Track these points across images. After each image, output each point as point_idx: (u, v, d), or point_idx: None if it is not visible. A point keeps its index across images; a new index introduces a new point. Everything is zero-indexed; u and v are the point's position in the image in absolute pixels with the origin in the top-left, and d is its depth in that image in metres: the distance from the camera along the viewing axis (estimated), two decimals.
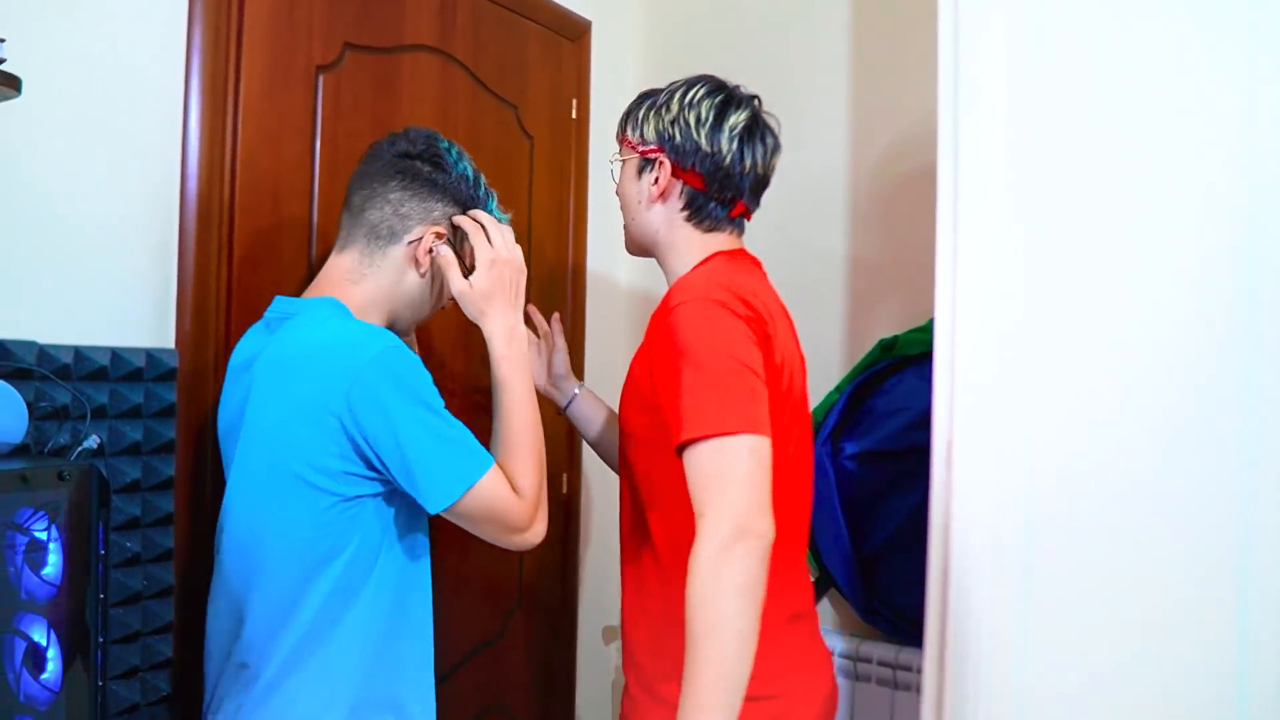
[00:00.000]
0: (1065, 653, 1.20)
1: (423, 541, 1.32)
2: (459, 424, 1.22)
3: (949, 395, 1.32)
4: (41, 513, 1.10)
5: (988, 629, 1.24)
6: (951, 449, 1.29)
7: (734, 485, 1.12)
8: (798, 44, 2.22)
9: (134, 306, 1.42)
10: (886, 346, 2.03)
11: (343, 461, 1.19)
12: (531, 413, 1.31)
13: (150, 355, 1.39)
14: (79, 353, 1.31)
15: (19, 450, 1.19)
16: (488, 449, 1.26)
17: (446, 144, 1.37)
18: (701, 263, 1.39)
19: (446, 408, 1.23)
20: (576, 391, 1.74)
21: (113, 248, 1.39)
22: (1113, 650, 1.18)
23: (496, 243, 1.34)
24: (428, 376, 1.22)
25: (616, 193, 1.49)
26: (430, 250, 1.33)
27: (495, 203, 1.41)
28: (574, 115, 2.24)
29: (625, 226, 1.48)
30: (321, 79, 1.64)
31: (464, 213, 1.36)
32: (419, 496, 1.19)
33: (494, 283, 1.32)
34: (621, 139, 1.46)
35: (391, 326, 1.36)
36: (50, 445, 1.26)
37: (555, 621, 2.24)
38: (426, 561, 1.32)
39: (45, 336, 1.29)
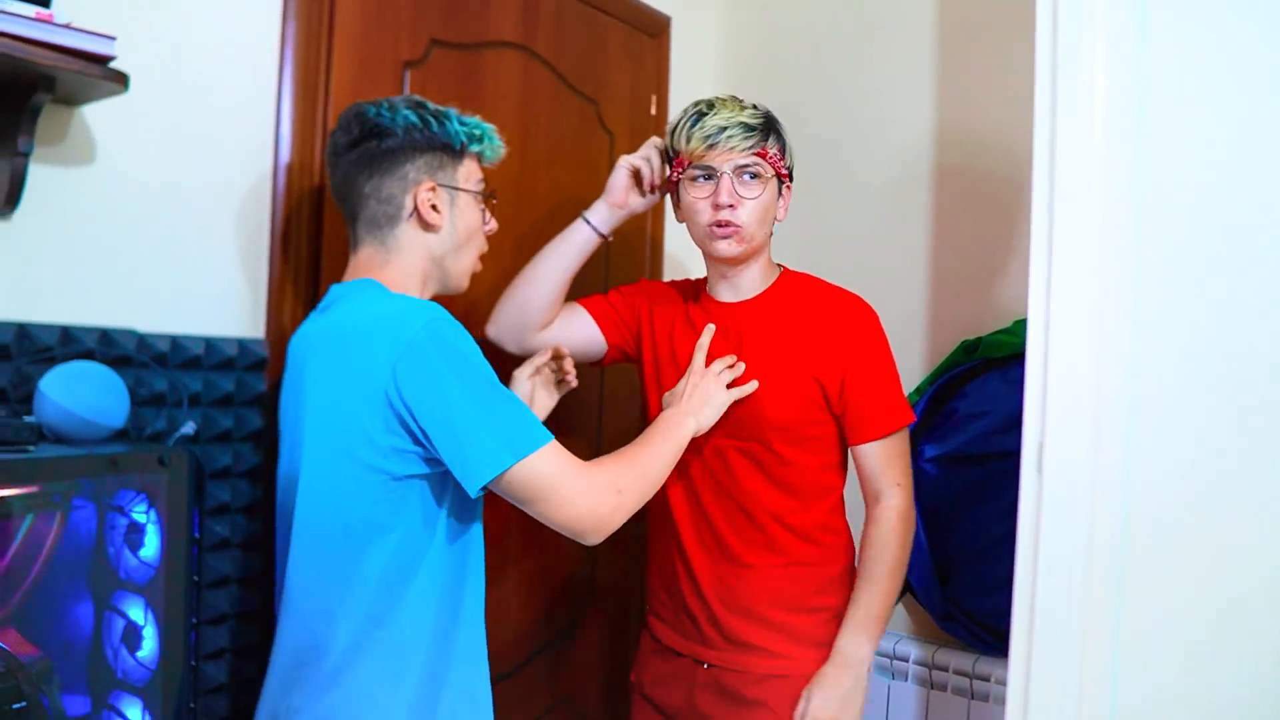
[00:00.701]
0: (1161, 667, 1.16)
1: (476, 533, 1.30)
2: (513, 396, 1.20)
3: (1041, 397, 1.28)
4: (142, 495, 1.14)
5: (1078, 641, 1.20)
6: (1043, 453, 1.26)
7: (909, 463, 1.54)
8: (881, 42, 2.18)
9: (228, 298, 1.46)
10: (969, 348, 1.98)
11: (390, 436, 1.16)
12: (670, 453, 1.37)
13: (242, 345, 1.43)
14: (175, 342, 1.35)
15: (120, 434, 1.24)
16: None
17: (374, 109, 1.29)
18: (787, 271, 1.60)
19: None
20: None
21: (209, 242, 1.43)
22: (1212, 665, 1.14)
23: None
24: (478, 348, 1.20)
25: (739, 198, 1.46)
26: (433, 205, 1.29)
27: (456, 123, 1.31)
28: (653, 112, 2.23)
29: (752, 235, 1.48)
30: (408, 75, 1.67)
31: (438, 148, 1.30)
32: (465, 471, 1.15)
33: (679, 391, 1.46)
34: (764, 154, 1.46)
35: (441, 291, 1.36)
36: (148, 430, 1.30)
37: (625, 620, 2.24)
38: (480, 554, 1.31)
39: (144, 325, 1.33)
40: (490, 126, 1.35)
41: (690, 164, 1.47)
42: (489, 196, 1.38)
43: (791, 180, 1.54)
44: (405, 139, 1.28)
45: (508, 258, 1.87)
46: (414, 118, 1.28)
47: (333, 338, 1.23)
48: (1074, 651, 1.21)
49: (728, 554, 1.52)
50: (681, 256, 2.36)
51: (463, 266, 1.36)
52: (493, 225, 1.40)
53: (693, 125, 1.46)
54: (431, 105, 1.31)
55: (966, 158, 2.05)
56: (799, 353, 1.49)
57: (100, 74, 1.10)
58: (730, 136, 1.43)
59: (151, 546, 1.15)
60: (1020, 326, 1.93)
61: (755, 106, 1.50)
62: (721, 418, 1.48)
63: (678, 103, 2.30)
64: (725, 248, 1.47)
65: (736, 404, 1.48)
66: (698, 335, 1.54)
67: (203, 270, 1.42)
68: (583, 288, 1.98)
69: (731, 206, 1.44)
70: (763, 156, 1.46)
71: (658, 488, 1.32)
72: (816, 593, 1.53)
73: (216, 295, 1.44)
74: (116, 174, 1.32)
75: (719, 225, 1.45)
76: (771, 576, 1.52)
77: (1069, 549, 1.21)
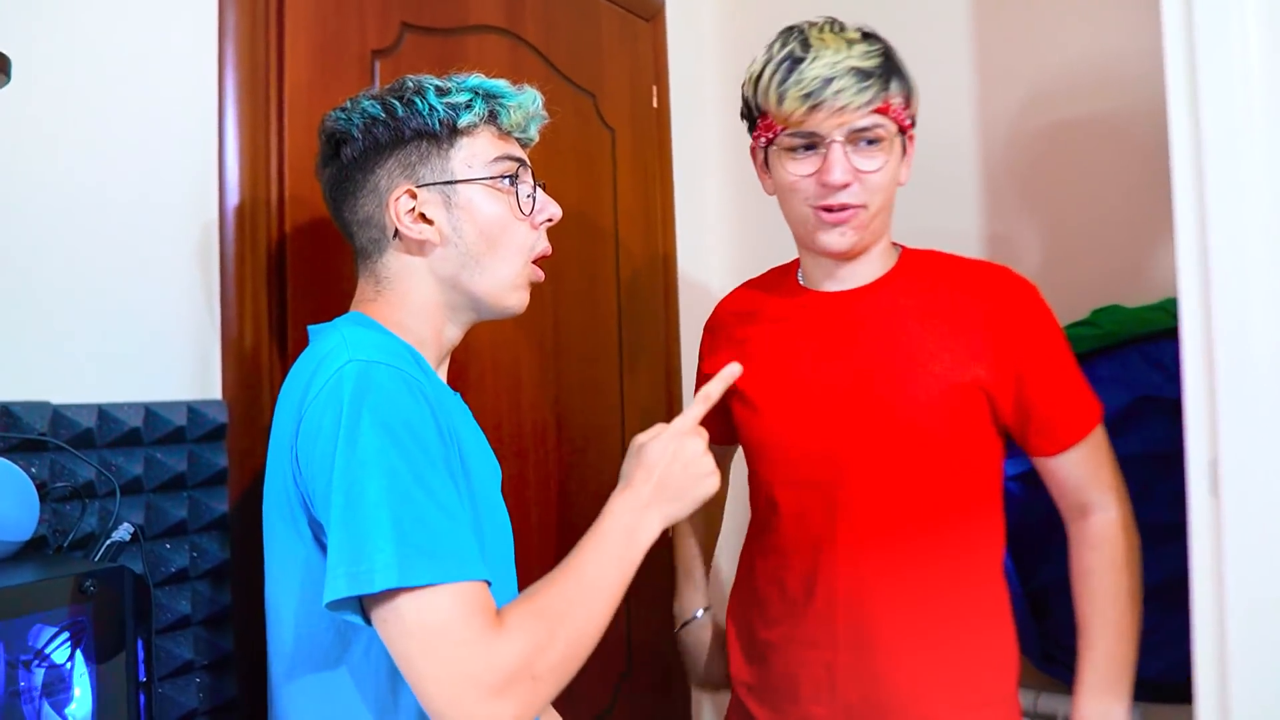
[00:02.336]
0: None
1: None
2: (448, 495, 0.83)
3: (1207, 402, 1.04)
4: (63, 635, 0.82)
5: None
6: (1218, 471, 1.01)
7: (1116, 462, 1.23)
8: (909, 10, 1.92)
9: (169, 351, 1.14)
10: None
11: (294, 507, 0.89)
12: (618, 585, 0.90)
13: (193, 410, 1.12)
14: (103, 413, 1.04)
15: (32, 545, 0.92)
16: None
17: (335, 112, 1.00)
18: (908, 251, 1.25)
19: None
20: (699, 613, 1.46)
21: (138, 281, 1.12)
22: None
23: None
24: (418, 411, 0.85)
25: (857, 174, 1.10)
26: (420, 215, 0.97)
27: (432, 95, 0.98)
28: (655, 104, 1.96)
29: (874, 219, 1.14)
30: (378, 65, 1.37)
31: (410, 138, 0.97)
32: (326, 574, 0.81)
33: (641, 460, 0.97)
34: (886, 108, 1.10)
35: (483, 318, 1.03)
36: (73, 535, 0.99)
37: (669, 687, 1.93)
38: None
39: (61, 395, 1.02)
40: (500, 82, 1.01)
41: (784, 129, 1.11)
42: (512, 178, 1.00)
43: (914, 127, 1.17)
44: (367, 140, 0.97)
45: None
46: (374, 108, 0.97)
47: (283, 391, 0.95)
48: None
49: (862, 640, 1.16)
50: (694, 272, 2.09)
51: (498, 280, 1.00)
52: (550, 211, 1.04)
53: (785, 77, 1.09)
54: (411, 82, 1.00)
55: (1019, 135, 1.79)
56: (947, 354, 1.14)
57: None
58: (840, 91, 1.07)
59: (81, 702, 0.83)
60: (1101, 317, 1.68)
61: (865, 36, 1.12)
62: (840, 455, 1.14)
63: (679, 93, 2.03)
64: (836, 240, 1.13)
65: (859, 435, 1.14)
66: (800, 338, 1.20)
67: (134, 316, 1.11)
68: (590, 299, 1.70)
69: (846, 185, 1.10)
70: (884, 113, 1.10)
71: (597, 640, 0.88)
72: (993, 683, 1.19)
73: (155, 348, 1.13)
74: (5, 197, 1.01)
75: (828, 210, 1.11)
76: (927, 666, 1.16)
77: (1265, 587, 0.98)
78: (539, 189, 1.03)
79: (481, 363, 1.52)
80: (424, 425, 0.84)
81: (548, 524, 1.64)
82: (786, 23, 1.21)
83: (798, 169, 1.12)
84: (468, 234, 0.98)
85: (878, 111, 1.09)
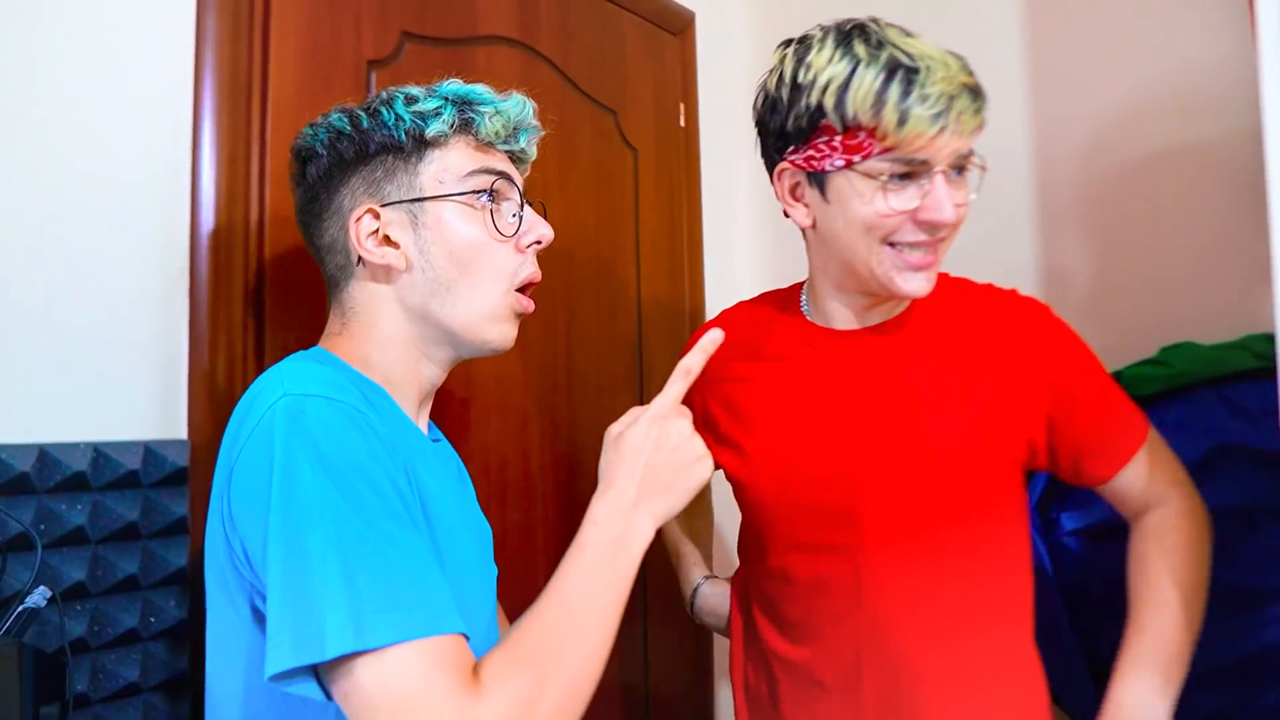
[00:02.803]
0: None
1: None
2: (407, 538, 0.71)
3: None
4: None
5: None
6: None
7: (1174, 455, 1.11)
8: (951, 25, 1.78)
9: (127, 385, 1.03)
10: None
11: (225, 570, 0.77)
12: (613, 608, 0.77)
13: (150, 451, 1.01)
14: (44, 454, 0.93)
15: None
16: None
17: (307, 129, 0.90)
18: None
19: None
20: (701, 580, 1.31)
21: (94, 307, 1.01)
22: None
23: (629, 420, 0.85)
24: (363, 447, 0.73)
25: (956, 209, 0.95)
26: (385, 238, 0.85)
27: (400, 105, 0.86)
28: (682, 123, 1.84)
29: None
30: (374, 76, 1.27)
31: (375, 153, 0.86)
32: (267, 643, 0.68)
33: (621, 452, 0.83)
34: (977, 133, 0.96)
35: (464, 355, 0.91)
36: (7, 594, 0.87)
37: None
38: None
39: None
40: (478, 87, 0.89)
41: (884, 151, 0.91)
42: (490, 193, 0.87)
43: None
44: (331, 156, 0.86)
45: None
46: (340, 122, 0.87)
47: (224, 436, 0.82)
48: None
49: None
50: (724, 302, 1.95)
51: (473, 311, 0.87)
52: (538, 232, 0.90)
53: (906, 90, 0.89)
54: (385, 93, 0.88)
55: (1080, 149, 1.64)
56: (969, 397, 1.00)
57: None
58: (962, 112, 0.90)
59: None
60: (1172, 355, 1.51)
61: (955, 55, 0.95)
62: (860, 515, 1.00)
63: (709, 112, 1.91)
64: (921, 286, 0.96)
65: (882, 492, 1.00)
66: (804, 381, 1.06)
67: (88, 347, 1.00)
68: (611, 330, 1.58)
69: (952, 224, 0.94)
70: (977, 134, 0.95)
71: (598, 677, 0.74)
72: None
73: (110, 382, 1.02)
74: None
75: (915, 248, 0.94)
76: None
77: None
78: (527, 207, 0.90)
79: (485, 400, 1.40)
80: (371, 462, 0.72)
81: (554, 561, 1.50)
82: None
83: (897, 202, 0.92)
84: (436, 257, 0.85)
85: (973, 134, 0.94)
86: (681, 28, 1.86)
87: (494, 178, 0.88)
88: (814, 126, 0.95)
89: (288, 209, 1.13)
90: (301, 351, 0.87)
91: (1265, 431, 1.37)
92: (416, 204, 0.85)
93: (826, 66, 0.93)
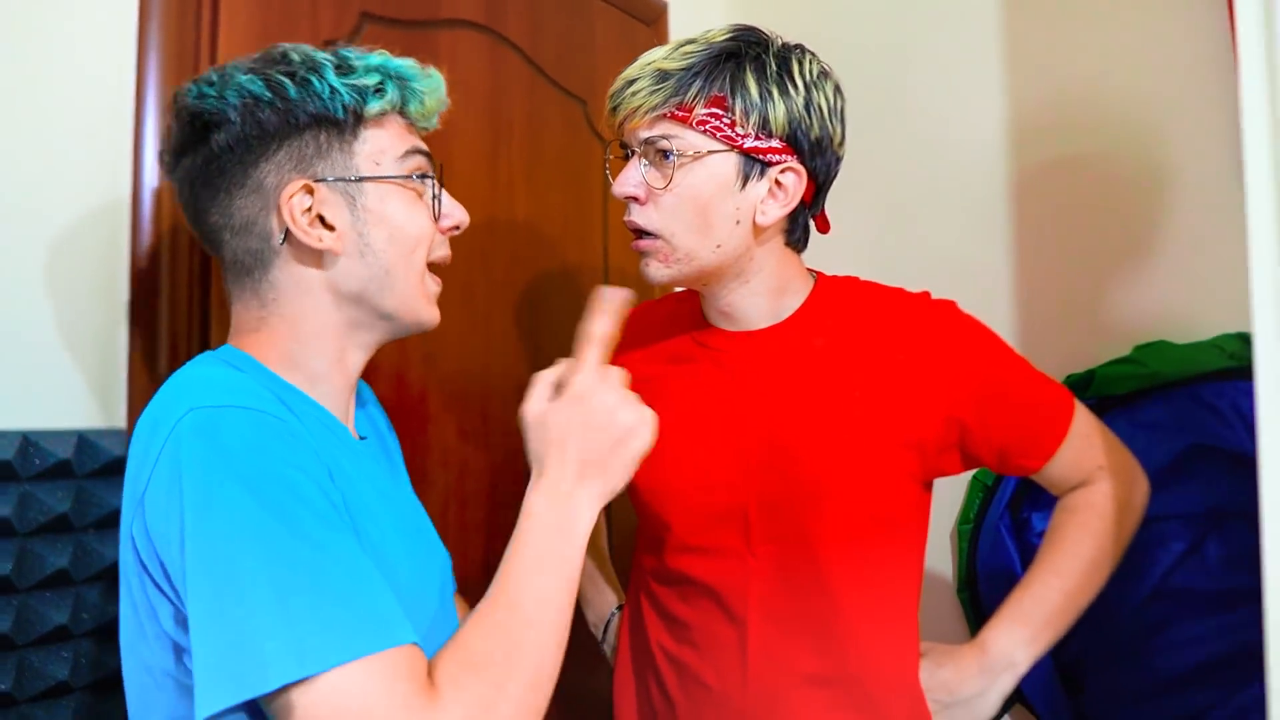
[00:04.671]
0: None
1: None
2: (345, 549, 0.67)
3: None
4: None
5: None
6: None
7: (1109, 437, 1.11)
8: (928, 18, 1.76)
9: (59, 370, 0.99)
10: (1078, 385, 1.53)
11: (138, 605, 0.71)
12: (564, 595, 0.74)
13: (83, 440, 0.97)
14: None
15: None
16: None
17: (194, 87, 0.80)
18: (823, 280, 1.09)
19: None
20: (615, 610, 1.25)
21: (22, 287, 0.97)
22: None
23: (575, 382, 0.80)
24: (284, 454, 0.69)
25: (642, 187, 0.97)
26: (319, 216, 0.80)
27: (331, 75, 0.79)
28: None
29: (683, 251, 0.97)
30: None
31: (306, 125, 0.79)
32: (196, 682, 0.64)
33: (547, 436, 0.79)
34: (683, 115, 0.94)
35: (392, 336, 0.86)
36: None
37: None
38: None
39: None
40: (408, 62, 0.84)
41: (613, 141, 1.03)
42: (423, 175, 0.84)
43: (806, 157, 0.97)
44: (248, 125, 0.78)
45: (479, 299, 1.42)
46: (256, 85, 0.78)
47: (129, 452, 0.76)
48: None
49: None
50: None
51: (409, 294, 0.83)
52: (457, 217, 0.87)
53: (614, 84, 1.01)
54: (296, 54, 0.81)
55: (1056, 149, 1.62)
56: (868, 406, 0.99)
57: None
58: (636, 93, 0.95)
59: None
60: (1146, 354, 1.50)
61: (729, 37, 0.98)
62: (750, 521, 0.99)
63: None
64: (648, 271, 1.00)
65: (770, 501, 0.99)
66: (697, 383, 1.06)
67: (15, 328, 0.96)
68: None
69: (636, 200, 0.97)
70: (679, 120, 0.93)
71: (557, 671, 0.72)
72: None
73: (41, 366, 0.98)
74: None
75: (634, 235, 0.99)
76: None
77: None
78: (444, 190, 0.86)
79: (443, 395, 1.36)
80: (296, 473, 0.67)
81: None
82: (795, 33, 1.05)
83: (614, 183, 1.00)
84: (377, 240, 0.80)
85: (670, 117, 0.93)
86: (654, 18, 1.83)
87: (424, 159, 0.84)
88: None
89: None
90: (208, 353, 0.81)
91: (1236, 432, 1.36)
92: (355, 184, 0.80)
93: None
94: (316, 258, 0.80)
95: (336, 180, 0.80)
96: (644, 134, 0.95)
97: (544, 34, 1.57)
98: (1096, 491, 1.07)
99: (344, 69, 0.80)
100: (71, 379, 0.99)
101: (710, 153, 0.94)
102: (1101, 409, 1.52)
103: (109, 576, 0.98)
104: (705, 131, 0.93)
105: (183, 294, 1.07)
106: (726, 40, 0.97)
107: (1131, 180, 1.54)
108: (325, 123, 0.79)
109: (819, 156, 0.98)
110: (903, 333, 1.01)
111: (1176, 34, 1.47)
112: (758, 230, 0.98)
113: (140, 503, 0.69)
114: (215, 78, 0.79)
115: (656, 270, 0.99)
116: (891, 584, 1.04)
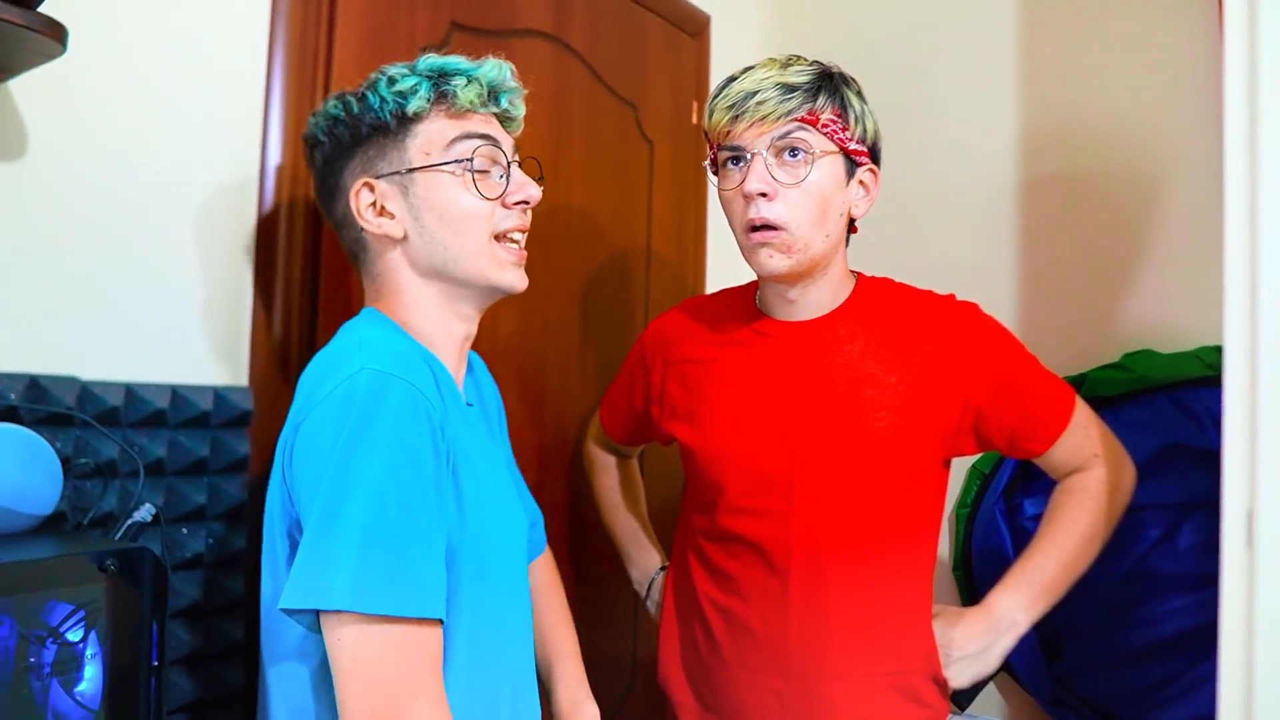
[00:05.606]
0: None
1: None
2: (429, 523, 0.83)
3: (1247, 452, 1.02)
4: (78, 613, 0.81)
5: None
6: (1255, 523, 0.99)
7: (1104, 429, 1.25)
8: (953, 37, 1.91)
9: (199, 333, 1.14)
10: (1072, 386, 1.69)
11: (281, 502, 0.88)
12: None
13: (219, 395, 1.11)
14: (131, 392, 1.03)
15: (52, 521, 0.91)
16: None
17: (309, 120, 1.01)
18: (863, 280, 1.25)
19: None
20: (659, 572, 1.43)
21: (175, 261, 1.11)
22: None
23: None
24: (420, 432, 0.84)
25: (774, 185, 1.09)
26: (381, 209, 0.96)
27: (384, 87, 0.95)
28: (694, 120, 1.95)
29: (803, 241, 1.11)
30: None
31: (366, 136, 0.96)
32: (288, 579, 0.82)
33: None
34: (813, 119, 1.09)
35: (490, 299, 1.00)
36: (93, 513, 0.97)
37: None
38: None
39: (89, 371, 1.01)
40: (452, 58, 0.97)
41: (719, 145, 1.14)
42: (468, 162, 0.94)
43: (877, 162, 1.18)
44: (331, 141, 0.97)
45: (540, 279, 1.57)
46: (335, 108, 0.97)
47: (299, 385, 0.94)
48: None
49: (812, 670, 1.17)
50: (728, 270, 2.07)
51: (475, 263, 0.95)
52: (526, 192, 0.98)
53: (718, 94, 1.13)
54: (374, 75, 0.97)
55: (1061, 165, 1.77)
56: (901, 391, 1.15)
57: (23, 20, 0.78)
58: (762, 103, 1.08)
59: (91, 680, 0.82)
60: (1133, 361, 1.65)
61: (813, 62, 1.13)
62: (794, 486, 1.14)
63: None
64: (765, 262, 1.11)
65: (814, 468, 1.14)
66: (753, 365, 1.20)
67: (167, 298, 1.10)
68: (622, 313, 1.68)
69: (765, 196, 1.09)
70: (810, 123, 1.09)
71: None
72: (921, 687, 1.19)
73: (185, 330, 1.12)
74: (51, 170, 1.00)
75: (753, 229, 1.10)
76: (871, 693, 1.18)
77: None
78: (514, 167, 0.99)
79: (506, 368, 1.51)
80: (422, 448, 0.83)
81: (558, 537, 1.62)
82: (830, 45, 1.22)
83: (726, 182, 1.13)
84: (429, 221, 0.95)
85: (802, 120, 1.09)
86: (698, 30, 1.97)
87: (477, 142, 0.96)
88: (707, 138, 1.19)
89: None
90: (369, 312, 0.97)
91: (1209, 433, 1.51)
92: (406, 175, 0.94)
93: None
94: (390, 242, 0.96)
95: (391, 174, 0.95)
96: (776, 133, 1.09)
97: (602, 44, 1.71)
98: (1091, 476, 1.21)
99: (392, 80, 0.95)
100: (209, 343, 1.14)
101: (828, 153, 1.10)
102: (1092, 408, 1.68)
103: (235, 515, 1.12)
104: (826, 134, 1.10)
105: (296, 274, 1.21)
106: (818, 64, 1.14)
107: (1127, 202, 1.69)
108: (380, 128, 0.95)
109: (879, 162, 1.18)
110: (932, 328, 1.17)
111: (1174, 65, 1.60)
112: (847, 224, 1.17)
113: (296, 429, 0.85)
114: (319, 108, 0.98)
115: (778, 261, 1.11)
116: (912, 548, 1.19)
